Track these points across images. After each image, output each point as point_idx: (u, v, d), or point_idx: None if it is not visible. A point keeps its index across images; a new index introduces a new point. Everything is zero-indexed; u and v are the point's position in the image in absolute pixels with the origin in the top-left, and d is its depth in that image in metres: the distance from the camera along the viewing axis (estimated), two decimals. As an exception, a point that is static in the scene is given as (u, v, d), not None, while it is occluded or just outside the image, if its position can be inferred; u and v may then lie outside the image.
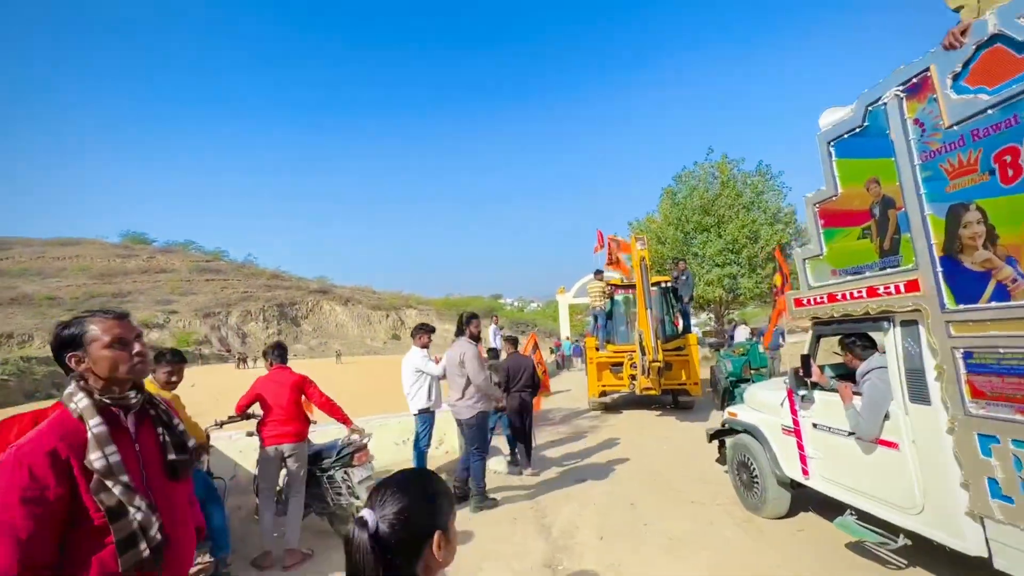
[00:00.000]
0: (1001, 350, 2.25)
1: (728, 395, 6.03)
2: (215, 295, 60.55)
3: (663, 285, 10.25)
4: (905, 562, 3.25)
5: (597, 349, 9.87)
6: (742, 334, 10.96)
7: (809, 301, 3.48)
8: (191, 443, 1.58)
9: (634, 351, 8.74)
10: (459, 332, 4.90)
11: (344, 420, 4.13)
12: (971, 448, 2.44)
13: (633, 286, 10.11)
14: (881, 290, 2.85)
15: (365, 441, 4.08)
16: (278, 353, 4.11)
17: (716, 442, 5.38)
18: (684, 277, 10.23)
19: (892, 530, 3.11)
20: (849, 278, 3.12)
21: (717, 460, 5.54)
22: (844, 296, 3.14)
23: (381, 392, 12.91)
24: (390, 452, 5.96)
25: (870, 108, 2.82)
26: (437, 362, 5.28)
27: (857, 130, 2.92)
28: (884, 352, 3.03)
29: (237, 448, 4.98)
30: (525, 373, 6.82)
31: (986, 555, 2.49)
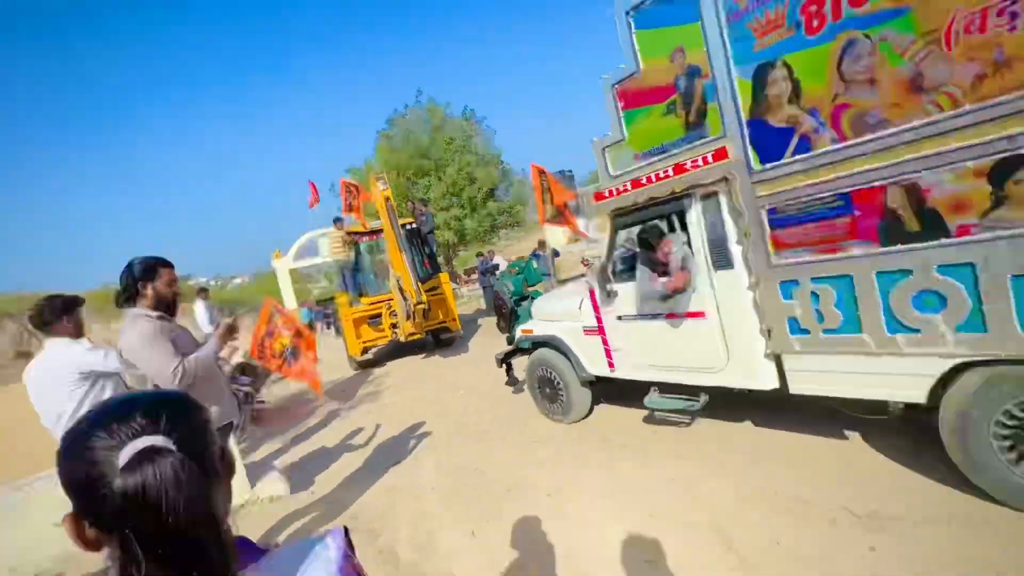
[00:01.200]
0: (803, 199, 2.48)
1: (514, 316, 5.98)
2: None
3: (408, 227, 9.79)
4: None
5: (351, 304, 8.88)
6: (503, 263, 11.76)
7: (611, 192, 3.38)
8: None
9: (392, 299, 8.19)
10: (120, 303, 2.39)
11: None
12: (774, 297, 2.72)
13: (377, 232, 9.30)
14: (688, 164, 2.88)
15: None
16: None
17: (504, 367, 5.27)
18: (424, 217, 10.08)
19: (693, 393, 3.45)
20: (655, 159, 3.09)
21: (507, 383, 5.48)
22: (649, 179, 3.11)
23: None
24: (48, 540, 3.17)
25: (674, -33, 2.67)
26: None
27: (661, -5, 2.76)
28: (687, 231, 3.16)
29: None
30: None
31: (778, 387, 2.92)
